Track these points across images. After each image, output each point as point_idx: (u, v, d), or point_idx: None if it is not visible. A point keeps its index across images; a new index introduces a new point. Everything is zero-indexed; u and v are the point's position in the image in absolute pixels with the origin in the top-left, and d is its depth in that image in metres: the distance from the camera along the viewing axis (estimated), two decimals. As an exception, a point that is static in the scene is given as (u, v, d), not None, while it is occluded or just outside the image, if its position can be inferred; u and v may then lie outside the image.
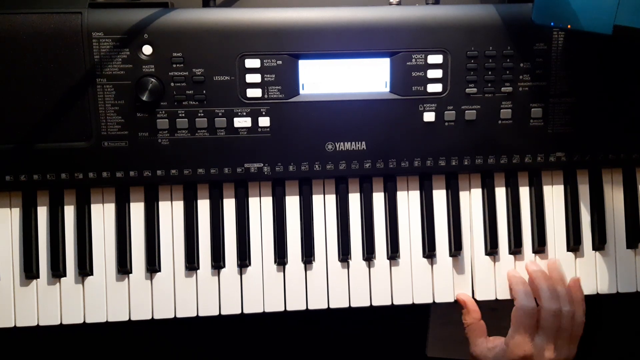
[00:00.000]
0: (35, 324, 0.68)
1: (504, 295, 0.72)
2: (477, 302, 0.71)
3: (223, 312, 0.69)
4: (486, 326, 0.70)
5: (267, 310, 0.70)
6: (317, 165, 0.69)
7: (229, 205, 0.70)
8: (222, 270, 0.70)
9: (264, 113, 0.67)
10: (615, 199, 0.74)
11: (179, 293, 0.69)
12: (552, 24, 0.63)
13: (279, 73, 0.67)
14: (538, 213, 0.72)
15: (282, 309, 0.70)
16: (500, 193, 0.73)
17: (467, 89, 0.68)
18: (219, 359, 0.86)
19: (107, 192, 0.69)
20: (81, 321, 0.68)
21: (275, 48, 0.66)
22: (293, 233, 0.71)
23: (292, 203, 0.71)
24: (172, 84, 0.66)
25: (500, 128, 0.69)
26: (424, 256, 0.72)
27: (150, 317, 0.69)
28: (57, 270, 0.68)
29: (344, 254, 0.70)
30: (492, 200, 0.72)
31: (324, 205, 0.71)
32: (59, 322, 0.68)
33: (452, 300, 0.71)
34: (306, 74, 0.67)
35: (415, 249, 0.72)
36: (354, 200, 0.71)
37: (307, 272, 0.71)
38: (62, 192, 0.69)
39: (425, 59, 0.67)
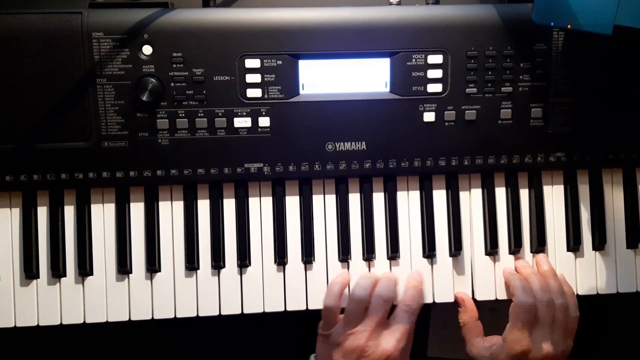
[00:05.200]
0: (35, 324, 0.68)
1: (504, 295, 0.72)
2: (477, 302, 0.71)
3: (223, 312, 0.69)
4: (486, 327, 0.70)
5: (267, 310, 0.70)
6: (317, 165, 0.69)
7: (229, 206, 0.70)
8: (222, 271, 0.70)
9: (264, 113, 0.67)
10: (615, 199, 0.74)
11: (179, 293, 0.69)
12: (552, 24, 0.63)
13: (279, 73, 0.67)
14: (538, 213, 0.72)
15: (282, 309, 0.70)
16: (500, 193, 0.73)
17: (467, 89, 0.68)
18: (219, 359, 0.86)
19: (107, 192, 0.69)
20: (81, 321, 0.68)
21: (275, 48, 0.66)
22: (293, 233, 0.71)
23: (292, 203, 0.71)
24: (172, 84, 0.66)
25: (500, 128, 0.69)
26: (424, 256, 0.72)
27: (150, 317, 0.69)
28: (57, 270, 0.68)
29: (344, 254, 0.70)
30: (492, 200, 0.72)
31: (324, 205, 0.71)
32: (59, 322, 0.68)
33: (452, 300, 0.71)
34: (306, 74, 0.67)
35: (415, 249, 0.72)
36: (354, 200, 0.71)
37: (307, 272, 0.71)
38: (62, 192, 0.69)
39: (425, 59, 0.67)
